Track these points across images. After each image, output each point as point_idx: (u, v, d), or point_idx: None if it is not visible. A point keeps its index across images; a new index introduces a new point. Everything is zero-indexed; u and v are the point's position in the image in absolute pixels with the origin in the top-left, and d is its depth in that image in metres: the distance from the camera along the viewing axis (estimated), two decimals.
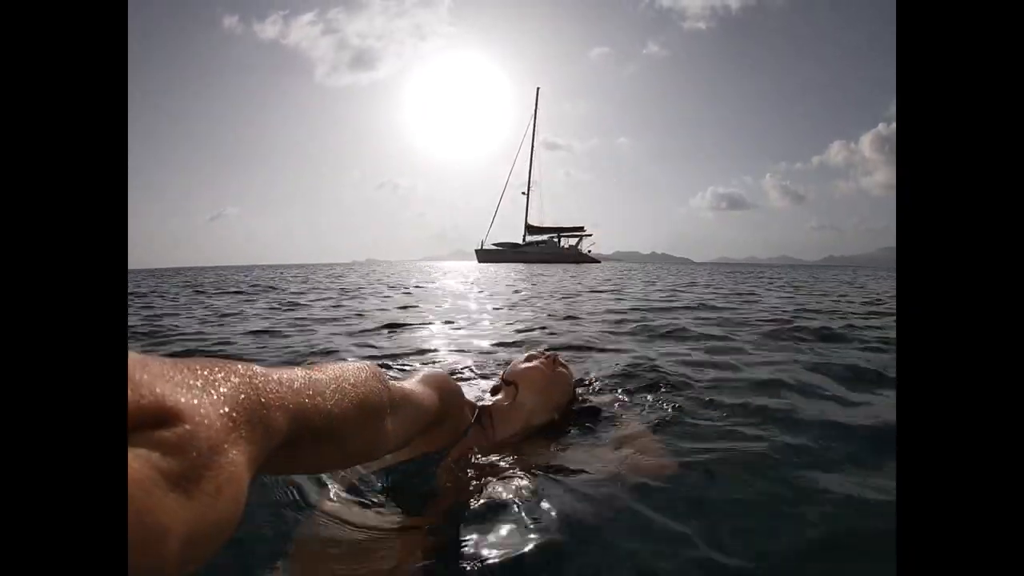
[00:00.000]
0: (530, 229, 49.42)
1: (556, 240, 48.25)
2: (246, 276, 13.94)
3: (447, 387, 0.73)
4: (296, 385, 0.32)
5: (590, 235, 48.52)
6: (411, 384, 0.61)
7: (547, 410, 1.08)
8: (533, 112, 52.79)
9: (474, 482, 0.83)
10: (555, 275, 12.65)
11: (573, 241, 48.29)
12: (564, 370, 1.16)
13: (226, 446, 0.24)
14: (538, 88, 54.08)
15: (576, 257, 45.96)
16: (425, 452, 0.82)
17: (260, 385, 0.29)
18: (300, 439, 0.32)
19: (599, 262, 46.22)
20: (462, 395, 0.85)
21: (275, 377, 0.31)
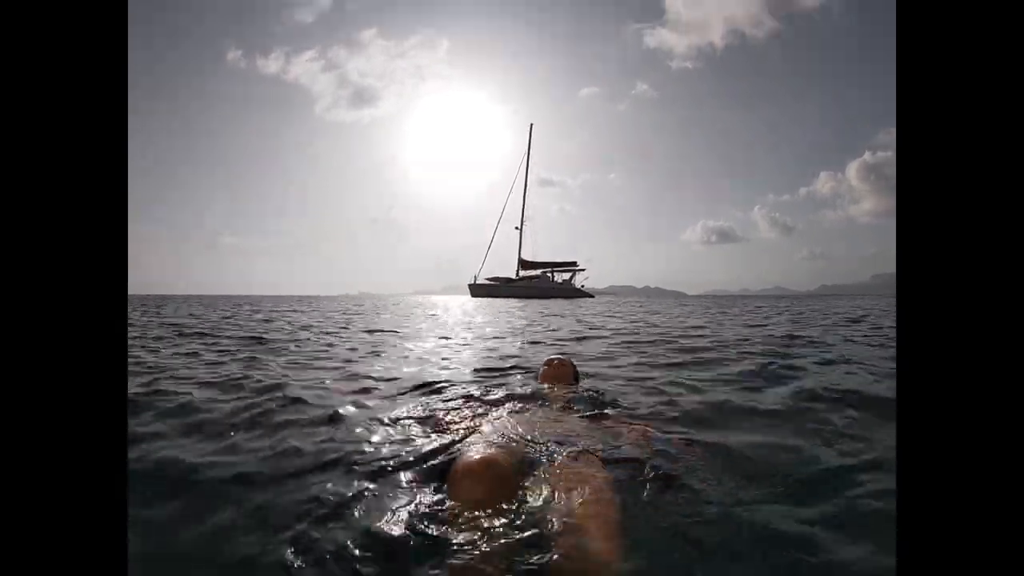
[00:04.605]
0: (524, 264, 48.83)
1: (549, 275, 48.02)
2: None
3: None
4: None
5: (583, 270, 48.26)
6: None
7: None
8: (527, 148, 51.23)
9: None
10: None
11: (567, 276, 48.07)
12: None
13: None
14: (531, 124, 52.69)
15: (570, 292, 45.88)
16: None
17: None
18: None
19: (593, 296, 45.53)
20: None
21: None
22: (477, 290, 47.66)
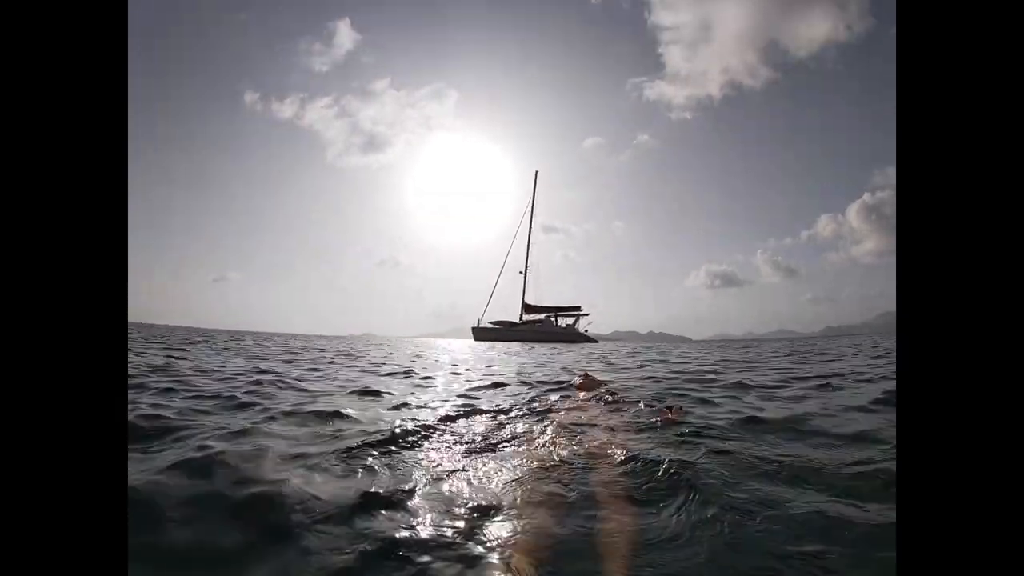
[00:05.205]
0: (527, 308, 48.46)
1: (553, 319, 47.74)
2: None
3: None
4: None
5: (587, 314, 47.99)
6: None
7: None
8: (532, 195, 51.84)
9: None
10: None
11: (570, 320, 47.82)
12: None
13: None
14: (536, 171, 53.32)
15: (573, 336, 45.56)
16: None
17: None
18: None
19: (596, 341, 44.86)
20: None
21: None
22: (481, 334, 47.27)
